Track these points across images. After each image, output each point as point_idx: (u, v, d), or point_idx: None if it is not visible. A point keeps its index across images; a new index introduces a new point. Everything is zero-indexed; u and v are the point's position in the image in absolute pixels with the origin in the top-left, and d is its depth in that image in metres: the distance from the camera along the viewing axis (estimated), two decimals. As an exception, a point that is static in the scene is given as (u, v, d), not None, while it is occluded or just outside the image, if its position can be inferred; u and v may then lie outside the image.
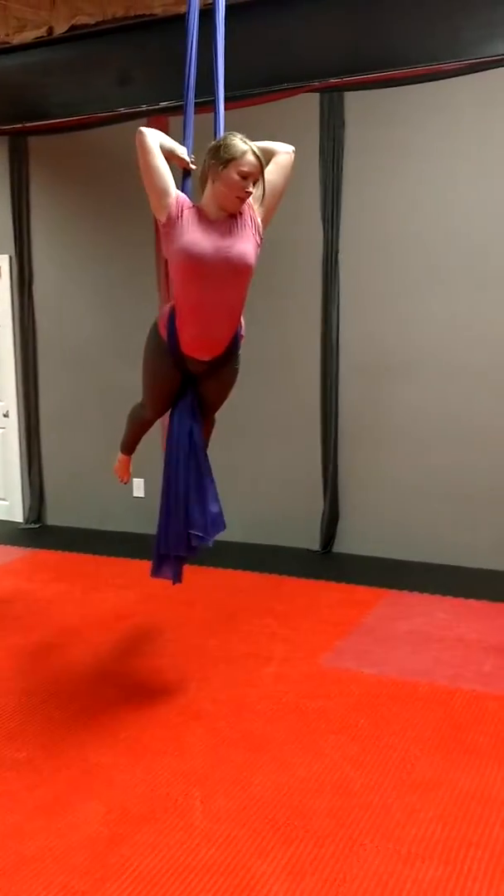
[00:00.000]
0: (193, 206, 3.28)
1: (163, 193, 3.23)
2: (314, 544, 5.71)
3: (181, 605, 4.76)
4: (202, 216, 3.25)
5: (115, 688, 3.68)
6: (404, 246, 5.26)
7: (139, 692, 3.63)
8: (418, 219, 5.21)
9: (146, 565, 5.39)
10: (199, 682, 3.72)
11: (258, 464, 5.87)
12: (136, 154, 3.22)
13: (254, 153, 3.15)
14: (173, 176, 3.29)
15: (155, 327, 3.48)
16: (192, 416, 3.52)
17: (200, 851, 2.52)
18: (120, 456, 4.14)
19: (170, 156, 3.32)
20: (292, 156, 3.41)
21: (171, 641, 4.19)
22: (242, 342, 3.53)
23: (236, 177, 3.13)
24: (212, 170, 3.18)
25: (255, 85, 5.09)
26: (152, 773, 2.97)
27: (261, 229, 3.33)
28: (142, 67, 5.74)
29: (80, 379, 6.38)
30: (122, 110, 5.84)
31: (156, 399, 3.64)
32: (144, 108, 5.80)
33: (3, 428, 6.67)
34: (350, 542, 5.66)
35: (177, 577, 3.63)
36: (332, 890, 2.34)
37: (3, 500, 6.76)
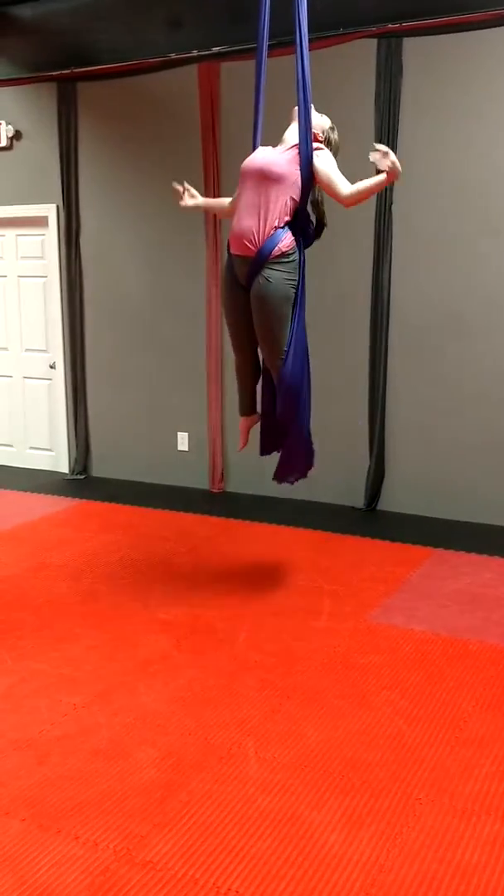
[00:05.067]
0: None
1: None
2: (358, 501, 5.67)
3: (227, 558, 4.78)
4: None
5: (164, 635, 3.71)
6: (459, 198, 5.12)
7: (189, 641, 3.66)
8: (475, 170, 5.06)
9: (191, 518, 5.54)
10: (247, 633, 3.73)
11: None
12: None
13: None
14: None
15: None
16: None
17: (257, 800, 2.54)
18: None
19: None
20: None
21: (218, 593, 4.20)
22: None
23: None
24: None
25: (309, 30, 4.95)
26: (204, 722, 2.99)
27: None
28: (193, 11, 5.61)
29: (127, 331, 6.34)
30: (173, 56, 5.73)
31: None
32: (196, 53, 5.68)
33: (50, 379, 6.67)
34: (394, 500, 5.61)
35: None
36: (389, 842, 2.35)
37: (50, 450, 6.79)
